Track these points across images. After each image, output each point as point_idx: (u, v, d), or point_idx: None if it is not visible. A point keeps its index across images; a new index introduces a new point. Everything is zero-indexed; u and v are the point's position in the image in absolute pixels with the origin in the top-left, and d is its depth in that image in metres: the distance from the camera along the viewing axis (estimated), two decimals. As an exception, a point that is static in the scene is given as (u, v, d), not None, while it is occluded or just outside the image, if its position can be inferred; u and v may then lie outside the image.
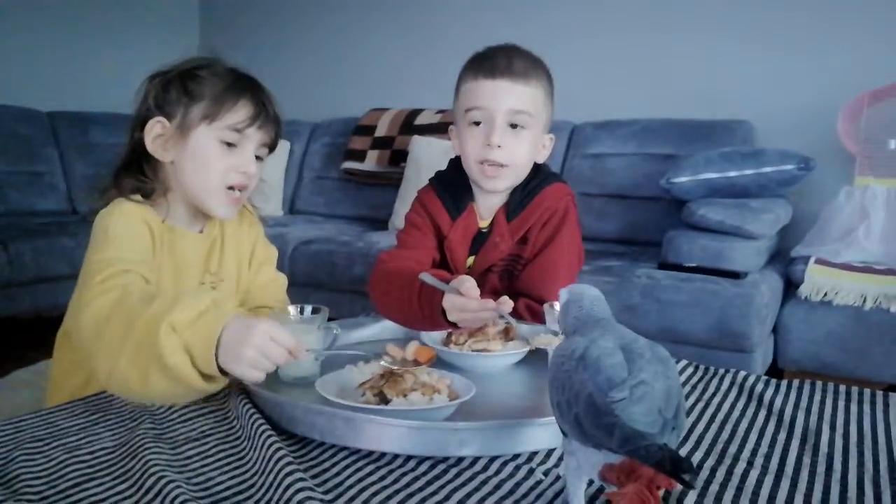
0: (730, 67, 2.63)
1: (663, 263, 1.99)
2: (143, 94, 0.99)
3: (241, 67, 1.04)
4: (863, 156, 2.11)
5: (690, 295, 1.87)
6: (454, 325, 1.07)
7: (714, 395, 0.97)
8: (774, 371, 1.99)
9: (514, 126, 1.18)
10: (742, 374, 1.04)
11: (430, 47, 3.29)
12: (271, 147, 1.03)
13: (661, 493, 0.55)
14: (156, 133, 0.97)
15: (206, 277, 1.02)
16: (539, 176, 1.26)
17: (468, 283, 1.02)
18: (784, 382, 1.01)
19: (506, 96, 1.16)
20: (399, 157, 2.97)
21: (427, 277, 1.05)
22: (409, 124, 3.02)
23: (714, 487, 0.69)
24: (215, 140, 0.97)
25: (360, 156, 3.10)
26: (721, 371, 1.06)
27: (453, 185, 1.29)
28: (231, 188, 0.99)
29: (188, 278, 1.01)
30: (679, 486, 0.57)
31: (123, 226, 0.93)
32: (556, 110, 2.71)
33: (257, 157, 1.02)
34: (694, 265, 1.94)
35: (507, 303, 1.02)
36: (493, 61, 1.17)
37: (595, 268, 2.05)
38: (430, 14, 3.32)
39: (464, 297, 1.02)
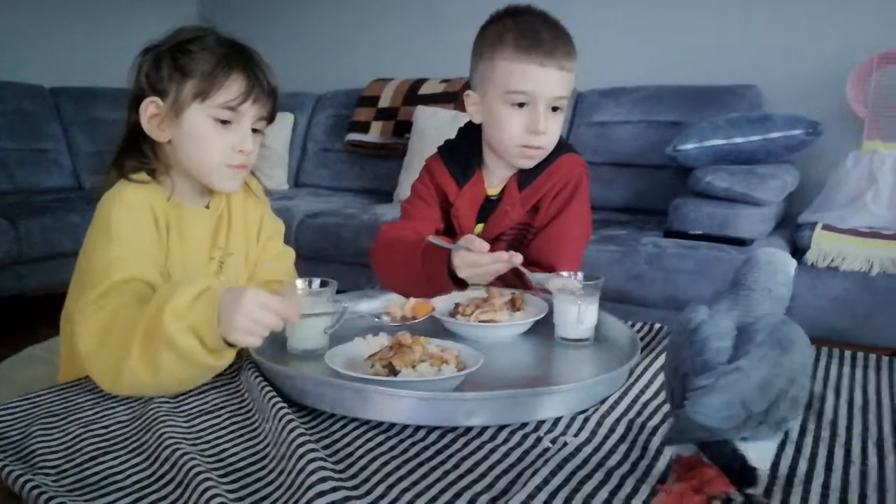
0: (736, 32, 2.59)
1: (669, 231, 1.99)
2: (136, 70, 0.97)
3: (235, 36, 1.00)
4: (871, 120, 2.09)
5: (696, 262, 1.87)
6: (459, 286, 1.08)
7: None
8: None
9: (554, 109, 1.20)
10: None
11: (434, 16, 3.24)
12: (269, 119, 1.01)
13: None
14: (150, 113, 0.95)
15: (215, 252, 1.03)
16: (555, 147, 1.26)
17: (477, 241, 1.04)
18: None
19: (554, 84, 1.17)
20: (403, 128, 2.95)
21: (434, 239, 1.07)
22: (414, 94, 3.00)
23: (719, 453, 0.70)
24: (209, 118, 0.95)
25: (364, 127, 3.08)
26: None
27: (461, 152, 1.30)
28: (232, 166, 0.98)
29: (197, 253, 1.01)
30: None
31: (126, 220, 0.92)
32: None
33: (255, 131, 1.00)
34: (700, 233, 1.94)
35: (517, 255, 1.04)
36: (541, 45, 1.15)
37: (601, 237, 2.05)
38: (431, -18, 3.27)
39: (474, 253, 1.03)
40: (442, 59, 2.85)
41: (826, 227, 1.96)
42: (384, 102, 3.06)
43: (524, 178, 1.24)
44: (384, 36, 3.43)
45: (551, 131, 1.20)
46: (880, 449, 0.71)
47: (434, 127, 2.66)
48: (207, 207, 1.04)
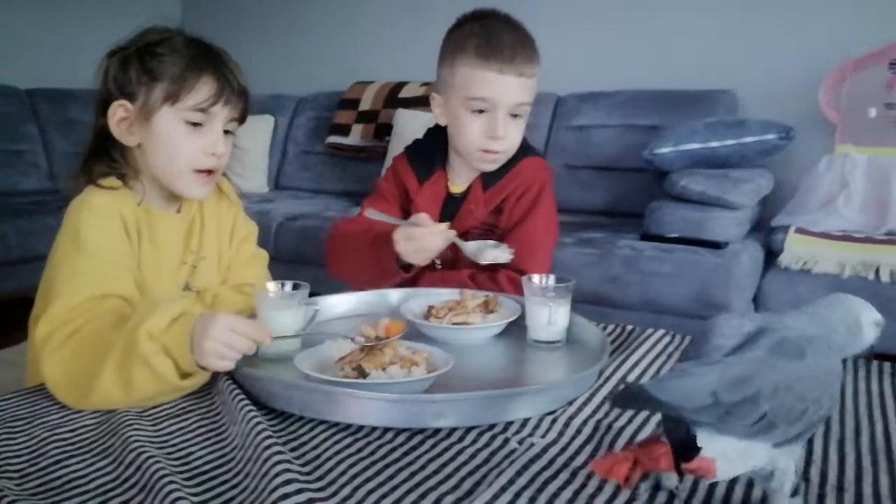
0: (713, 37, 2.62)
1: (645, 234, 2.01)
2: (103, 72, 0.96)
3: (203, 37, 0.99)
4: (843, 124, 2.12)
5: (672, 265, 1.88)
6: (406, 270, 1.13)
7: (688, 363, 0.98)
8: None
9: (515, 115, 1.22)
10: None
11: (415, 19, 3.25)
12: (240, 120, 1.01)
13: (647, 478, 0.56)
14: (119, 117, 0.95)
15: (188, 257, 1.02)
16: (518, 150, 1.27)
17: (423, 217, 1.10)
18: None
19: (513, 91, 1.19)
20: (384, 131, 2.95)
21: (374, 213, 1.12)
22: (394, 97, 3.00)
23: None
24: (180, 121, 0.94)
25: (344, 130, 3.08)
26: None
27: (425, 150, 1.33)
28: (201, 171, 0.97)
29: (169, 259, 1.00)
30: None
31: (95, 228, 0.91)
32: (541, 82, 2.71)
33: (227, 132, 0.99)
34: (676, 236, 1.96)
35: (452, 230, 1.10)
36: (500, 52, 1.16)
37: (578, 239, 2.06)
38: (412, -15, 3.28)
39: (413, 227, 1.08)
40: (422, 63, 2.83)
41: (799, 231, 1.99)
42: (365, 105, 3.06)
43: (488, 178, 1.27)
44: (365, 39, 3.43)
45: (511, 137, 1.22)
46: (841, 446, 0.73)
47: (414, 130, 2.66)
48: (179, 211, 1.03)
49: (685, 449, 0.55)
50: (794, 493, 0.62)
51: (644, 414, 0.81)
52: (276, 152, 3.34)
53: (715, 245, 1.90)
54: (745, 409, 0.54)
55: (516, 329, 1.05)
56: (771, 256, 2.06)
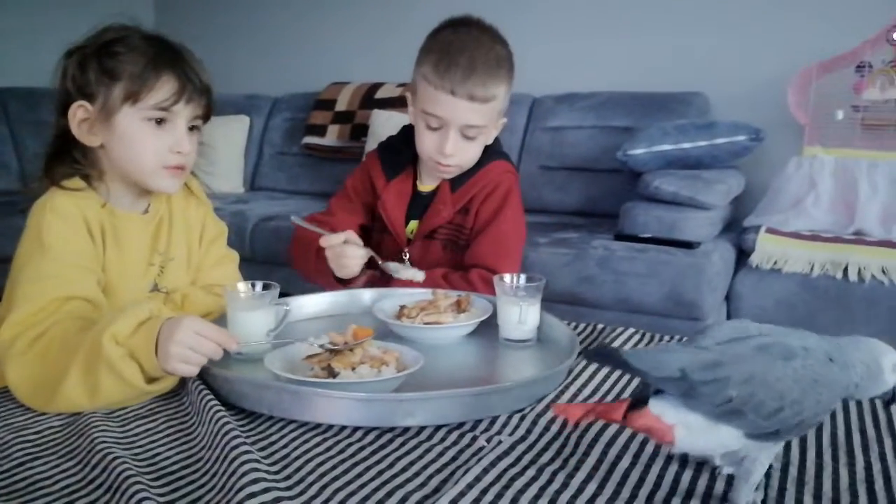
0: (686, 40, 2.65)
1: (619, 235, 2.03)
2: (61, 73, 0.94)
3: (162, 34, 0.98)
4: (811, 126, 2.16)
5: (645, 265, 1.91)
6: (342, 283, 1.19)
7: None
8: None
9: (467, 136, 1.22)
10: (686, 339, 1.08)
11: (391, 21, 3.25)
12: (205, 117, 1.00)
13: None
14: (80, 118, 0.93)
15: (155, 258, 1.01)
16: (485, 152, 1.29)
17: (349, 233, 1.16)
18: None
19: (462, 113, 1.19)
20: (360, 132, 2.95)
21: (297, 220, 1.18)
22: (370, 98, 3.00)
23: (649, 448, 0.72)
24: (142, 120, 0.93)
25: (320, 131, 3.07)
26: (667, 338, 1.09)
27: (395, 148, 1.35)
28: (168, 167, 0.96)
29: (135, 261, 0.99)
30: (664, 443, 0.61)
31: (58, 231, 0.90)
32: (517, 83, 2.71)
33: (193, 128, 0.98)
34: (649, 236, 1.98)
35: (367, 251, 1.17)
36: (455, 73, 1.16)
37: (553, 240, 2.08)
38: (389, -14, 3.28)
39: (335, 241, 1.14)
40: (399, 64, 2.82)
41: (769, 231, 2.02)
42: (341, 106, 3.05)
43: (456, 179, 1.29)
44: (341, 39, 3.42)
45: (462, 154, 1.23)
46: (803, 440, 0.74)
47: (390, 131, 2.62)
48: (146, 212, 1.02)
49: (636, 402, 0.59)
50: (756, 488, 0.63)
51: (611, 411, 0.82)
52: (252, 153, 3.32)
53: (687, 245, 1.92)
54: (710, 390, 0.57)
55: (488, 328, 1.05)
56: (743, 256, 2.09)
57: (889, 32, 2.06)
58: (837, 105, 2.11)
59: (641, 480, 0.66)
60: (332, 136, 3.03)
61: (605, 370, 0.95)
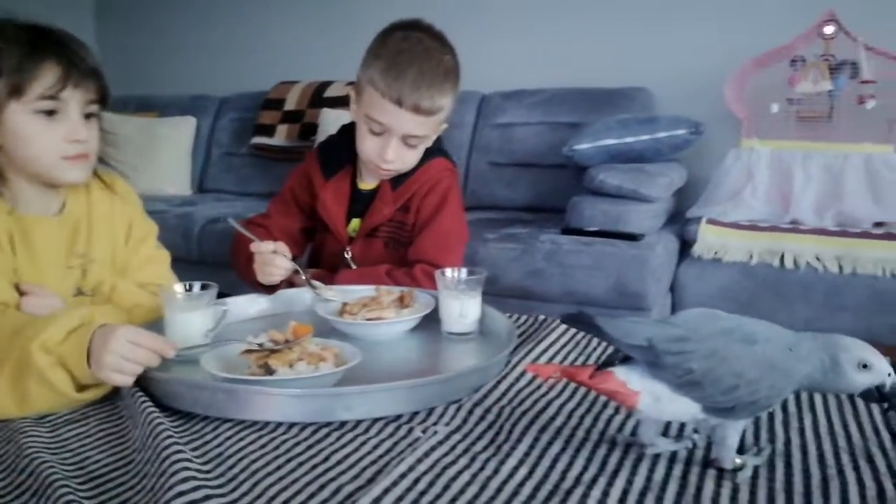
0: (631, 37, 2.71)
1: (566, 229, 2.06)
2: None
3: (37, 21, 0.93)
4: (748, 119, 2.22)
5: (591, 258, 1.94)
6: (266, 289, 1.20)
7: (596, 349, 1.02)
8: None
9: (408, 144, 1.23)
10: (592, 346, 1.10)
11: (339, 19, 3.23)
12: (101, 101, 0.96)
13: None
14: None
15: (73, 261, 0.98)
16: (426, 150, 1.30)
17: (280, 244, 1.17)
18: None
19: (406, 124, 1.20)
20: (309, 131, 2.92)
21: (233, 221, 1.21)
22: (319, 97, 2.98)
23: (580, 433, 0.74)
24: (31, 114, 0.90)
25: (269, 130, 3.04)
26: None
27: (334, 148, 1.36)
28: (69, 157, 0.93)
29: (51, 264, 0.96)
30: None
31: None
32: (466, 81, 2.72)
33: (89, 116, 0.95)
34: (595, 229, 2.02)
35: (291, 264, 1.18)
36: (402, 83, 1.16)
37: (502, 235, 2.10)
38: (336, -16, 3.26)
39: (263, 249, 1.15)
40: (347, 62, 2.80)
41: (710, 221, 2.08)
42: (290, 105, 3.03)
43: (397, 177, 1.29)
44: (289, 39, 3.39)
45: (403, 159, 1.25)
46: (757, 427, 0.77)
47: (340, 130, 2.66)
48: (61, 212, 1.00)
49: (602, 367, 0.65)
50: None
51: (547, 399, 0.84)
52: (200, 154, 3.26)
53: (631, 237, 1.97)
54: (674, 361, 0.63)
55: (432, 323, 1.07)
56: (686, 247, 2.15)
57: (820, 27, 2.13)
58: (773, 98, 2.18)
59: (570, 464, 0.68)
60: (280, 136, 3.00)
61: (544, 358, 0.97)
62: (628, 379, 0.65)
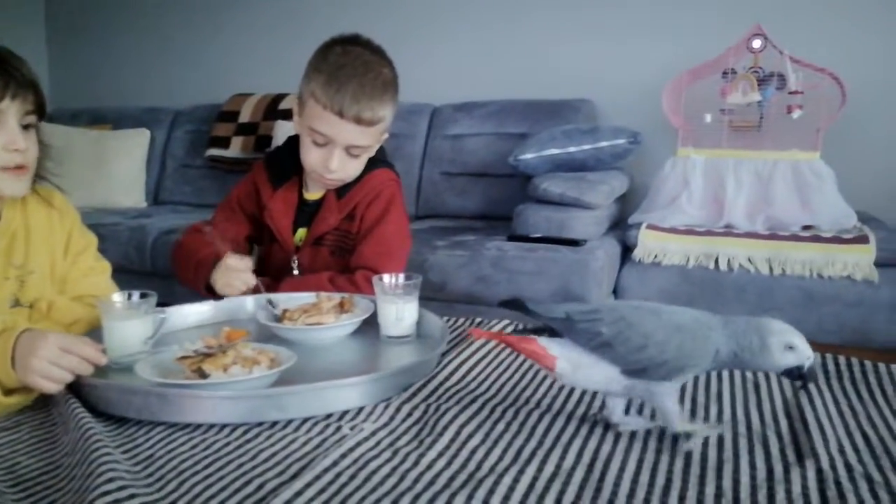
0: (574, 51, 2.79)
1: (512, 236, 2.12)
2: None
3: None
4: (684, 129, 2.32)
5: (535, 263, 2.00)
6: (212, 293, 1.22)
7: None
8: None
9: (351, 154, 1.27)
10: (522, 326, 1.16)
11: (294, 33, 3.26)
12: (38, 112, 0.98)
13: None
14: None
15: (10, 272, 1.00)
16: (369, 161, 1.34)
17: (246, 262, 1.21)
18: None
19: (348, 135, 1.23)
20: (264, 143, 2.94)
21: (206, 229, 1.23)
22: (273, 109, 2.99)
23: (500, 426, 0.79)
24: None
25: (224, 142, 3.04)
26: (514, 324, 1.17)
27: (281, 159, 1.38)
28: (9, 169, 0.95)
29: None
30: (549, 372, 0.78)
31: None
32: (418, 93, 2.75)
33: (27, 127, 0.97)
34: (539, 236, 2.08)
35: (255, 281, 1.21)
36: (343, 95, 1.19)
37: (450, 243, 2.14)
38: (289, -3, 3.29)
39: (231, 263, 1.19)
40: (301, 75, 2.87)
41: (650, 227, 2.16)
42: (244, 117, 3.04)
43: (341, 187, 1.32)
44: (244, 52, 3.40)
45: (346, 169, 1.29)
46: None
47: (292, 141, 2.68)
48: None
49: (514, 302, 0.76)
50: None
51: (473, 395, 0.88)
52: (155, 166, 3.24)
53: (574, 243, 2.03)
54: (586, 327, 0.73)
55: (372, 327, 1.10)
56: (627, 251, 2.22)
57: (748, 40, 2.24)
58: (706, 109, 2.27)
59: (487, 455, 0.72)
60: (235, 148, 3.01)
61: (477, 356, 1.02)
62: (548, 346, 0.76)
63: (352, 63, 1.23)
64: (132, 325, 0.96)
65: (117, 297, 0.99)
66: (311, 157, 1.27)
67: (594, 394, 0.89)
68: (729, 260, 2.02)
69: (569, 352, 0.75)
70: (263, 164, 1.40)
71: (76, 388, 0.84)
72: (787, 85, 2.18)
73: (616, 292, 2.16)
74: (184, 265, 1.27)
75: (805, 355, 0.71)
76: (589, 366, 0.75)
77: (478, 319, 1.21)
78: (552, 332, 0.77)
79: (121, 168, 3.12)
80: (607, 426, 0.79)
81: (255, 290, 1.20)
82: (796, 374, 0.72)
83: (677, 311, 0.75)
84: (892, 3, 2.39)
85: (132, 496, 0.61)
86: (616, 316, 0.73)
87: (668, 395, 0.74)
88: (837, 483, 0.64)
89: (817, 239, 2.01)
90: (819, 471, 0.67)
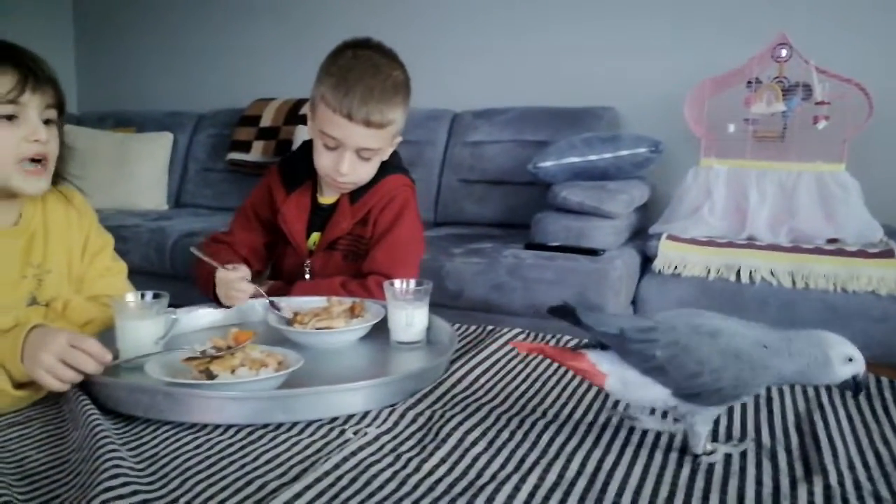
0: (597, 58, 2.78)
1: (529, 244, 2.11)
2: None
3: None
4: (707, 139, 2.29)
5: (553, 272, 1.99)
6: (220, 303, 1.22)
7: (534, 359, 1.06)
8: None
9: (362, 157, 1.27)
10: (565, 338, 1.15)
11: (315, 37, 3.27)
12: (59, 108, 1.00)
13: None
14: None
15: (28, 271, 1.01)
16: (384, 166, 1.34)
17: (242, 270, 1.19)
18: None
19: (358, 137, 1.24)
20: (284, 148, 2.97)
21: (195, 250, 1.22)
22: (294, 114, 3.02)
23: (504, 434, 0.78)
24: None
25: (245, 147, 3.08)
26: (548, 336, 1.17)
27: (295, 163, 1.39)
28: (27, 161, 0.97)
29: (4, 273, 0.99)
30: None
31: None
32: (438, 99, 2.74)
33: (48, 122, 0.99)
34: (557, 244, 2.07)
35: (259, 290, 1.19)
36: (351, 98, 1.20)
37: (467, 250, 2.14)
38: (314, 4, 3.32)
39: (228, 276, 1.17)
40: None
41: (670, 237, 2.13)
42: (265, 122, 3.07)
43: (355, 192, 1.33)
44: (267, 57, 3.44)
45: (358, 172, 1.29)
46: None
47: (313, 146, 2.70)
48: (16, 225, 1.03)
49: (561, 309, 0.72)
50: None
51: (479, 402, 0.87)
52: (177, 169, 3.30)
53: (592, 252, 2.01)
54: (640, 348, 0.70)
55: (382, 332, 1.10)
56: (647, 262, 2.20)
57: (773, 50, 2.21)
58: (730, 118, 2.24)
59: (490, 462, 0.72)
60: (256, 152, 3.04)
61: (485, 365, 1.01)
62: (598, 361, 0.73)
63: (361, 66, 1.24)
64: (145, 325, 0.97)
65: (130, 296, 1.00)
66: (322, 160, 1.28)
67: (602, 404, 0.88)
68: (751, 272, 1.99)
69: (620, 369, 0.72)
70: (277, 169, 1.41)
71: (87, 385, 0.85)
72: (812, 95, 2.15)
73: (635, 303, 2.14)
74: (199, 275, 1.27)
75: (861, 364, 0.71)
76: (640, 386, 0.72)
77: (489, 327, 1.21)
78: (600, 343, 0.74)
79: (143, 170, 3.17)
80: (613, 437, 0.78)
81: (256, 294, 1.20)
82: (852, 386, 0.72)
83: (738, 331, 0.71)
84: (922, 14, 2.34)
85: (135, 492, 0.62)
86: (671, 338, 0.70)
87: (706, 420, 0.72)
88: (845, 500, 0.63)
89: (841, 252, 1.97)
90: (827, 486, 0.65)
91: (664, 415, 0.82)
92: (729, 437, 0.79)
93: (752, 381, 0.70)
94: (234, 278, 1.17)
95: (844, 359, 0.70)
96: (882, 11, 2.37)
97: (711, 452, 0.72)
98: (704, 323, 0.72)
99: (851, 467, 0.70)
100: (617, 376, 0.72)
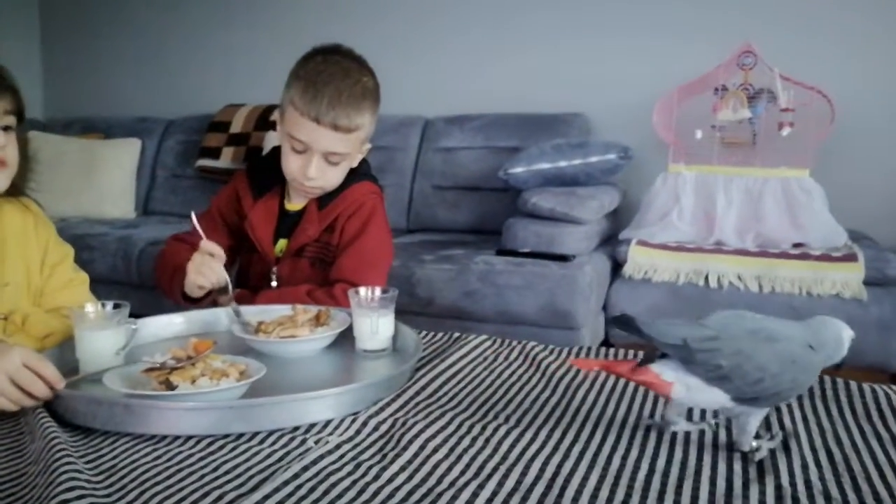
0: (568, 65, 2.81)
1: (500, 250, 2.12)
2: None
3: None
4: (675, 145, 2.33)
5: (523, 278, 2.00)
6: (188, 300, 1.24)
7: (501, 364, 1.07)
8: (606, 345, 2.16)
9: (330, 161, 1.27)
10: (531, 344, 1.16)
11: (285, 43, 3.25)
12: (17, 114, 1.00)
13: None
14: None
15: None
16: (352, 173, 1.34)
17: (222, 254, 1.20)
18: (564, 349, 1.13)
19: (325, 141, 1.24)
20: (254, 154, 2.95)
21: (194, 217, 1.23)
22: (265, 120, 3.01)
23: (465, 442, 0.78)
24: None
25: (215, 153, 3.05)
26: (514, 343, 1.17)
27: (264, 169, 1.39)
28: None
29: None
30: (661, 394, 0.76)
31: None
32: (410, 105, 2.74)
33: (7, 129, 0.98)
34: (527, 250, 2.08)
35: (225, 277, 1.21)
36: (319, 102, 1.21)
37: (438, 257, 2.15)
38: (284, 10, 3.31)
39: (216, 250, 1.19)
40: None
41: (640, 243, 2.16)
42: (235, 128, 3.05)
43: (323, 198, 1.33)
44: (236, 62, 3.42)
45: (326, 177, 1.29)
46: (643, 432, 0.82)
47: (285, 153, 2.69)
48: None
49: (624, 319, 0.73)
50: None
51: (442, 410, 0.88)
52: (145, 176, 3.26)
53: (562, 258, 2.03)
54: (705, 358, 0.72)
55: (348, 341, 1.10)
56: (618, 267, 2.22)
57: (738, 58, 2.25)
58: (697, 125, 2.28)
59: (450, 469, 0.72)
60: (226, 159, 3.02)
61: (451, 371, 1.02)
62: (662, 371, 0.74)
63: (330, 70, 1.25)
64: (104, 335, 0.96)
65: (90, 306, 0.99)
66: (290, 164, 1.28)
67: (564, 410, 0.88)
68: (719, 277, 2.03)
69: (683, 376, 0.74)
70: (245, 174, 1.41)
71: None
72: (777, 102, 2.19)
73: (606, 308, 2.16)
74: (162, 273, 1.28)
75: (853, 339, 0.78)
76: (701, 390, 0.74)
77: (455, 334, 1.21)
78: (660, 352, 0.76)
79: (111, 178, 3.13)
80: (573, 442, 0.78)
81: (224, 291, 1.21)
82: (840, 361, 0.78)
83: (789, 335, 0.74)
84: (881, 22, 2.41)
85: (88, 506, 0.61)
86: (735, 348, 0.72)
87: (757, 420, 0.75)
88: (795, 499, 0.64)
89: (807, 256, 2.01)
90: (778, 486, 0.67)
91: (701, 416, 0.86)
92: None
93: (805, 384, 0.76)
94: (216, 254, 1.18)
95: (850, 337, 0.77)
96: (844, 20, 2.43)
97: (757, 450, 0.75)
98: (760, 328, 0.75)
99: (804, 467, 0.72)
100: (681, 384, 0.74)
